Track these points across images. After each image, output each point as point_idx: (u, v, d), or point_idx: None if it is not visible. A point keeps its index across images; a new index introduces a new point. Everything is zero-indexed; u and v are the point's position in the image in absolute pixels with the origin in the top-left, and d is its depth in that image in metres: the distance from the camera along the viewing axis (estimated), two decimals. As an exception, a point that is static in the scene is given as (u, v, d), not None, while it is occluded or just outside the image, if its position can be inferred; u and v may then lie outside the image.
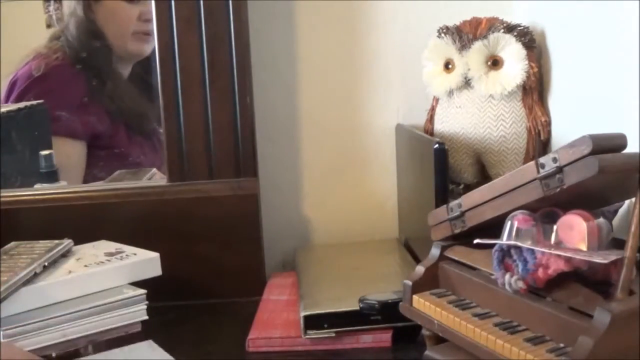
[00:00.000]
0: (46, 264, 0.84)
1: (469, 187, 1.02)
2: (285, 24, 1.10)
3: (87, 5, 1.14)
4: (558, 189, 0.60)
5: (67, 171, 1.12)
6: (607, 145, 0.59)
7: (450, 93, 1.00)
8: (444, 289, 0.70)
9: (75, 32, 1.14)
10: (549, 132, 0.99)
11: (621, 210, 0.72)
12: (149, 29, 1.14)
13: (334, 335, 0.79)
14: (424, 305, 0.68)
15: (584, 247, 0.58)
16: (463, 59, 0.98)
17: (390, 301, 0.77)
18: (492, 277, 0.62)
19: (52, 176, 1.11)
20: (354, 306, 0.79)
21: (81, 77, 1.17)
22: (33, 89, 1.13)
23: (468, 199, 0.69)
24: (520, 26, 0.98)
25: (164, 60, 0.99)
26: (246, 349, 0.82)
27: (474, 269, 0.67)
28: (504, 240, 0.61)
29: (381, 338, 0.80)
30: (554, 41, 0.99)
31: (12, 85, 1.15)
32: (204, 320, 0.94)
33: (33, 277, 0.81)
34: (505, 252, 0.61)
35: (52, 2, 1.18)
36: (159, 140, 1.08)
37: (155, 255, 0.89)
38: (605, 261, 0.55)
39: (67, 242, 0.91)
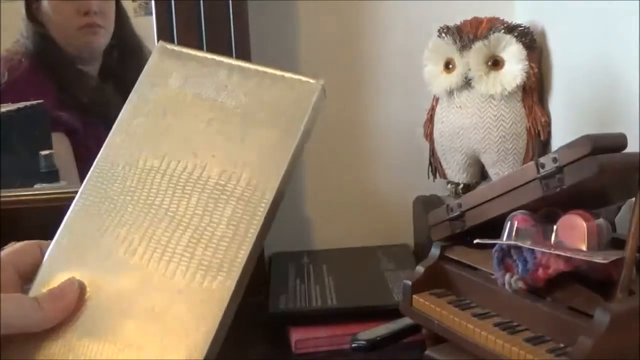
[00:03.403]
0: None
1: (469, 187, 1.02)
2: (285, 24, 1.10)
3: (31, 7, 1.13)
4: (558, 189, 0.60)
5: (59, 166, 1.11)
6: (607, 145, 0.59)
7: (451, 93, 1.00)
8: (444, 289, 0.70)
9: (25, 32, 1.13)
10: (549, 132, 0.99)
11: (622, 210, 0.72)
12: (94, 21, 1.13)
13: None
14: (424, 305, 0.68)
15: (584, 247, 0.58)
16: (463, 59, 0.98)
17: (378, 339, 0.75)
18: (492, 277, 0.62)
19: (52, 176, 1.11)
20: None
21: (47, 78, 1.15)
22: (5, 97, 1.12)
23: (468, 199, 0.70)
24: (521, 26, 0.98)
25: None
26: (293, 351, 0.82)
27: (474, 269, 0.67)
28: (504, 240, 0.61)
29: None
30: (554, 41, 0.99)
31: None
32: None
33: (33, 277, 0.80)
34: (505, 252, 0.61)
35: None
36: None
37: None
38: (605, 261, 0.55)
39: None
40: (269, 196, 0.51)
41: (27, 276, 0.51)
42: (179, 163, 0.52)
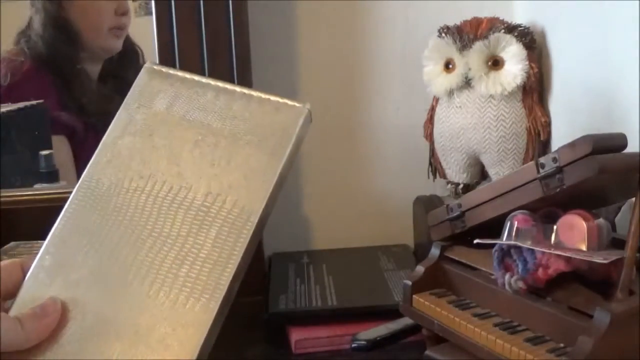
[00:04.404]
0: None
1: (468, 187, 1.02)
2: (285, 24, 1.10)
3: (57, 3, 1.13)
4: (558, 189, 0.60)
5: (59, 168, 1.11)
6: (607, 145, 0.59)
7: (451, 93, 1.00)
8: (444, 289, 0.70)
9: (41, 30, 1.13)
10: (548, 133, 0.99)
11: (622, 210, 0.72)
12: (124, 23, 1.14)
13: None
14: (424, 305, 0.68)
15: (584, 247, 0.58)
16: (463, 58, 0.98)
17: (378, 339, 0.75)
18: (492, 277, 0.62)
19: (52, 176, 1.11)
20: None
21: (49, 79, 1.16)
22: (6, 98, 1.12)
23: (468, 199, 0.70)
24: (521, 26, 0.98)
25: (164, 60, 0.99)
26: (293, 351, 0.82)
27: (474, 269, 0.67)
28: (504, 240, 0.61)
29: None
30: (554, 41, 0.99)
31: None
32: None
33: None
34: (505, 252, 0.61)
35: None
36: None
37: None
38: (605, 261, 0.55)
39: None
40: (254, 219, 0.51)
41: (8, 295, 0.51)
42: (164, 184, 0.53)
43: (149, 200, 0.52)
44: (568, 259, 0.57)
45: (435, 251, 0.71)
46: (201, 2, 0.97)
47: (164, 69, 0.57)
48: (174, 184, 0.53)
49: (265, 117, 0.54)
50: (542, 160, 0.61)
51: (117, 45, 1.16)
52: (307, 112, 0.54)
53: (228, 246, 0.50)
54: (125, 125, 0.55)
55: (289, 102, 0.54)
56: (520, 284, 0.59)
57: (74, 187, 0.55)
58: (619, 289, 0.55)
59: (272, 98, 0.54)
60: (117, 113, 0.56)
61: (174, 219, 0.51)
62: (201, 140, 0.54)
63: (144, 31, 1.12)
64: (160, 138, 0.54)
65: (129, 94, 0.57)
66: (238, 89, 0.55)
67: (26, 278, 0.52)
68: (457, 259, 0.69)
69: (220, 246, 0.50)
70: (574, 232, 0.59)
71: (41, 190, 1.06)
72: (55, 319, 0.49)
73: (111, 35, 1.15)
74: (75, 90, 1.15)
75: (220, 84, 0.56)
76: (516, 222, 0.61)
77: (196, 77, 0.56)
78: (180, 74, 0.57)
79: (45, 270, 0.52)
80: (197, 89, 0.55)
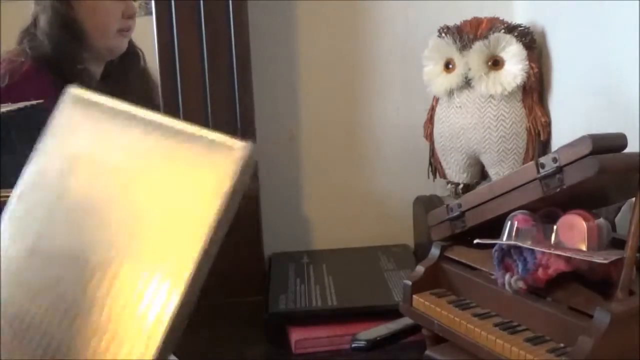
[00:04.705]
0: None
1: (468, 187, 1.02)
2: (285, 24, 1.10)
3: (66, 3, 1.13)
4: (558, 189, 0.60)
5: None
6: (607, 145, 0.59)
7: (451, 93, 1.00)
8: (444, 289, 0.70)
9: (47, 29, 1.12)
10: (548, 133, 0.99)
11: (621, 210, 0.72)
12: (130, 25, 1.14)
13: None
14: (424, 305, 0.68)
15: (584, 247, 0.58)
16: (463, 58, 0.98)
17: (378, 339, 0.75)
18: (492, 277, 0.62)
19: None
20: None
21: (50, 79, 1.15)
22: (5, 99, 1.12)
23: (468, 199, 0.70)
24: (521, 26, 0.98)
25: (164, 60, 0.99)
26: (293, 351, 0.82)
27: (474, 269, 0.67)
28: (504, 240, 0.61)
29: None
30: (554, 41, 0.99)
31: None
32: (203, 320, 0.94)
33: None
34: (505, 252, 0.61)
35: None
36: None
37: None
38: (605, 261, 0.55)
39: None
40: (174, 298, 0.41)
41: None
42: (78, 261, 0.45)
43: (55, 278, 0.45)
44: (568, 259, 0.57)
45: (435, 251, 0.71)
46: (201, 2, 0.97)
47: (88, 96, 0.50)
48: (79, 259, 0.45)
49: (198, 160, 0.43)
50: (542, 160, 0.61)
51: (123, 45, 1.16)
52: (247, 156, 0.41)
53: (144, 336, 0.41)
54: (39, 175, 0.48)
55: (227, 142, 0.42)
56: (520, 284, 0.59)
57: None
58: (619, 289, 0.55)
59: (207, 136, 0.43)
60: (33, 156, 0.48)
61: (92, 304, 0.43)
62: (123, 195, 0.45)
63: (144, 31, 1.12)
64: (76, 195, 0.47)
65: (49, 126, 0.49)
66: (170, 123, 0.45)
67: None
68: (457, 259, 0.69)
69: (133, 337, 0.41)
70: (574, 232, 0.59)
71: (41, 190, 1.06)
72: None
73: (118, 36, 1.15)
74: None
75: (150, 117, 0.47)
76: (516, 222, 0.61)
77: (123, 108, 0.48)
78: (106, 103, 0.49)
79: None
80: (125, 123, 0.47)
